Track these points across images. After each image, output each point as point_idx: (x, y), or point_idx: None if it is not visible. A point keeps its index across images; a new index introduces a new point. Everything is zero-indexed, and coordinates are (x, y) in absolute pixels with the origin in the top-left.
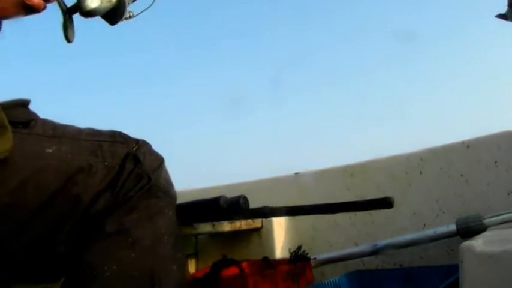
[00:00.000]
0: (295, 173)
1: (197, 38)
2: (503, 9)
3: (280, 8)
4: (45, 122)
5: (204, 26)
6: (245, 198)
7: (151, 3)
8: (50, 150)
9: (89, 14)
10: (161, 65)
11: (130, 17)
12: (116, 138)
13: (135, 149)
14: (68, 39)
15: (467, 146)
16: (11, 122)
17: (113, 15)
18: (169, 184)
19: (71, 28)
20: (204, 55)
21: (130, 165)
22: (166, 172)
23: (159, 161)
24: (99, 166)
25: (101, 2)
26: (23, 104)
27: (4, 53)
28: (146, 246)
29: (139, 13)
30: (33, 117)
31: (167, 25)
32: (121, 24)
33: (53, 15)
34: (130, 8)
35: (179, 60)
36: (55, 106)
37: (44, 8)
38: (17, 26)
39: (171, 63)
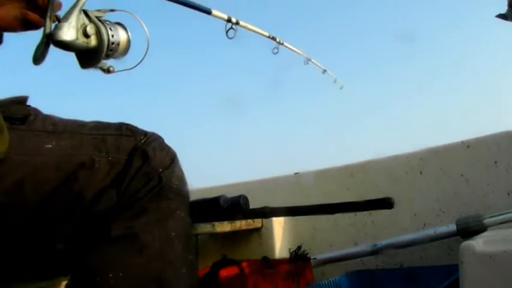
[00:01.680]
0: (295, 173)
1: (196, 37)
2: (504, 9)
3: (280, 8)
4: (46, 118)
5: (204, 26)
6: (245, 198)
7: (135, 66)
8: (50, 146)
9: (58, 44)
10: (160, 65)
11: (109, 71)
12: (122, 131)
13: (143, 141)
14: (35, 61)
15: (467, 146)
16: (8, 118)
17: (86, 58)
18: (183, 182)
19: (44, 53)
20: (204, 56)
21: (138, 161)
22: (179, 169)
23: (171, 157)
24: (102, 161)
25: (76, 38)
26: (21, 100)
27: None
28: (155, 251)
29: (120, 71)
30: (32, 113)
31: (168, 25)
32: (94, 71)
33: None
34: (112, 63)
35: (179, 60)
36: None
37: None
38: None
39: (170, 63)
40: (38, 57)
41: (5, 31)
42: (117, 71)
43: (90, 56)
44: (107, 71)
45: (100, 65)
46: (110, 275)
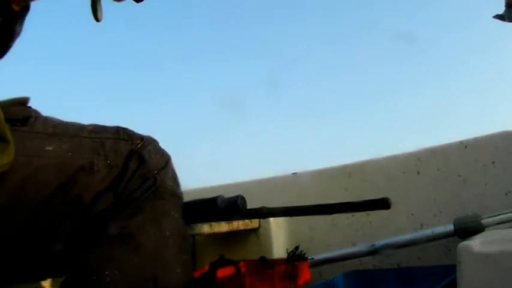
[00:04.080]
0: (293, 173)
1: (196, 38)
2: (501, 9)
3: (279, 8)
4: (47, 120)
5: (204, 27)
6: (243, 198)
7: None
8: (50, 148)
9: None
10: (160, 66)
11: None
12: (120, 135)
13: (139, 145)
14: (97, 19)
15: (465, 146)
16: (9, 120)
17: None
18: (176, 184)
19: (99, 7)
20: (204, 56)
21: (135, 164)
22: (173, 171)
23: (165, 159)
24: (101, 164)
25: None
26: (22, 102)
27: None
28: (150, 251)
29: None
30: (33, 114)
31: (167, 28)
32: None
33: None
34: None
35: (178, 60)
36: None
37: None
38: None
39: (170, 64)
40: (99, 14)
41: None
42: None
43: None
44: None
45: None
46: (106, 273)
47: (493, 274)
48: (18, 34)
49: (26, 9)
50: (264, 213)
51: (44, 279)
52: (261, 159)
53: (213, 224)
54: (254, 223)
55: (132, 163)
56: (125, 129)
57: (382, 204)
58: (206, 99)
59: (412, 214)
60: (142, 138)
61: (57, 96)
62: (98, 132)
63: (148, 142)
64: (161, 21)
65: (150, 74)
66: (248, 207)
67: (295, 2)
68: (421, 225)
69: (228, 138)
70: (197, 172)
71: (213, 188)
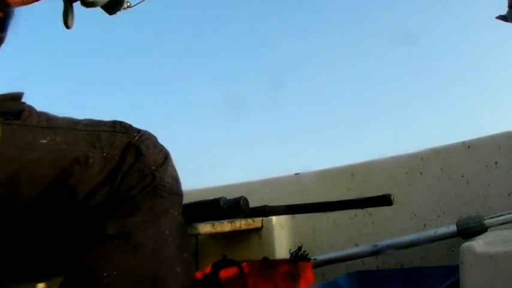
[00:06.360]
0: (296, 174)
1: (197, 38)
2: (504, 10)
3: (280, 9)
4: (41, 114)
5: (205, 27)
6: (245, 200)
7: None
8: (44, 141)
9: (90, 4)
10: (160, 66)
11: (128, 6)
12: (116, 128)
13: (136, 138)
14: (68, 26)
15: (467, 147)
16: (2, 114)
17: (113, 6)
18: (176, 181)
19: (71, 15)
20: (204, 56)
21: (132, 157)
22: (172, 167)
23: (164, 155)
24: (96, 157)
25: None
26: (16, 97)
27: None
28: (149, 250)
29: (137, 4)
30: (27, 109)
31: (168, 26)
32: (118, 14)
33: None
34: None
35: (179, 61)
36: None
37: None
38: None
39: (170, 64)
40: (69, 22)
41: (22, 5)
42: (133, 6)
43: (115, 3)
44: (126, 7)
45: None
46: (105, 274)
47: (495, 274)
48: (3, 40)
49: (10, 15)
50: (266, 211)
51: (42, 279)
52: (263, 159)
53: (216, 223)
54: (257, 222)
55: (129, 156)
56: (121, 123)
57: (384, 200)
58: (209, 101)
59: (415, 215)
60: (139, 131)
61: (55, 92)
62: (94, 125)
63: (146, 136)
64: (160, 17)
65: (150, 73)
66: (251, 207)
67: (297, 5)
68: (424, 225)
69: (231, 139)
70: (200, 172)
71: (216, 188)
